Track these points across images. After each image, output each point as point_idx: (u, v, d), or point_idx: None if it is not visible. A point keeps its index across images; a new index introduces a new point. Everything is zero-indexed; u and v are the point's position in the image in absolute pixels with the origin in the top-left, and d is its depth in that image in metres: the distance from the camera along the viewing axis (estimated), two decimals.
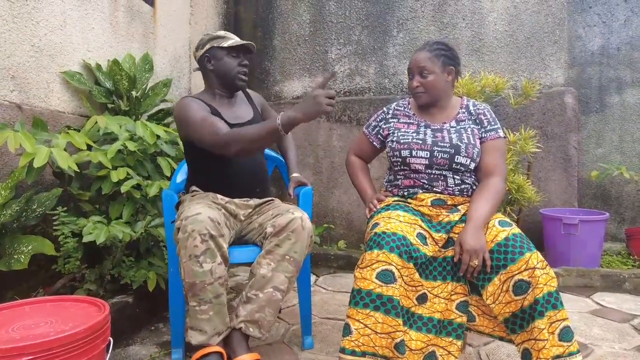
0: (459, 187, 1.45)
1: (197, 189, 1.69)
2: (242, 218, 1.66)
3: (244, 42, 1.68)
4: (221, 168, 1.65)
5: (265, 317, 1.48)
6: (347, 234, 3.21)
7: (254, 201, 1.71)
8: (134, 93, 2.35)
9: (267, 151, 2.02)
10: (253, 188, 1.72)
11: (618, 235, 3.19)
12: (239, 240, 1.67)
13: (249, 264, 1.55)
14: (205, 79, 1.75)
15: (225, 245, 1.43)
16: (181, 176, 1.88)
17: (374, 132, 1.65)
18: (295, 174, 1.86)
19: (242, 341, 1.48)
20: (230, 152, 1.47)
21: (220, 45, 1.66)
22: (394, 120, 1.59)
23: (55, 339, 0.98)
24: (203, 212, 1.39)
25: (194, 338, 1.43)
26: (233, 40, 1.68)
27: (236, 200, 1.66)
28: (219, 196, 1.63)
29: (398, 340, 1.19)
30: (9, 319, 1.14)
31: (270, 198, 1.77)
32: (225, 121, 1.61)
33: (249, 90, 1.88)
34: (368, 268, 1.22)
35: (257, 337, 1.49)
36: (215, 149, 1.49)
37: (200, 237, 1.35)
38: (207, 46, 1.68)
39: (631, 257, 2.84)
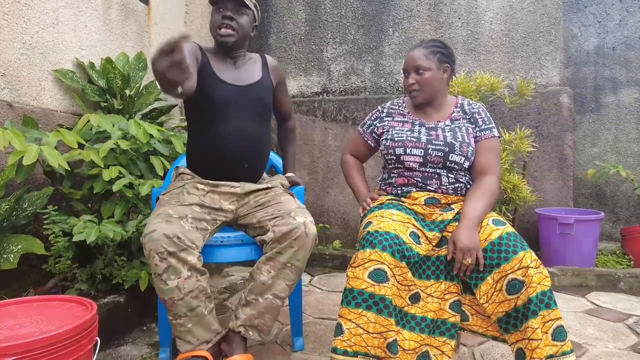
0: (452, 186, 1.44)
1: (184, 170, 1.62)
2: (230, 207, 1.55)
3: None
4: (216, 130, 1.56)
5: (265, 322, 1.47)
6: (343, 234, 3.20)
7: (241, 188, 1.58)
8: (127, 92, 2.33)
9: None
10: (242, 163, 1.59)
11: (613, 234, 3.19)
12: (237, 228, 1.61)
13: (242, 263, 1.53)
14: None
15: (191, 258, 1.33)
16: None
17: (368, 131, 1.64)
18: (289, 174, 1.84)
19: (241, 344, 1.46)
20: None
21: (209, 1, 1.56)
22: (388, 118, 1.58)
23: (40, 339, 0.96)
24: (158, 228, 1.30)
25: (182, 347, 1.41)
26: None
27: (220, 188, 1.55)
28: (200, 185, 1.53)
29: (390, 340, 1.17)
30: None
31: (267, 185, 1.64)
32: (218, 77, 1.55)
33: (270, 59, 1.74)
34: (360, 267, 1.21)
35: (257, 341, 1.49)
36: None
37: (158, 255, 1.29)
38: None
39: (626, 256, 2.84)
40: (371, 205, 1.48)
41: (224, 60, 1.61)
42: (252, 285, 1.46)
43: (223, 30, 1.53)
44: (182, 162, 1.82)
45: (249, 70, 1.65)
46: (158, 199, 1.54)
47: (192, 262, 1.34)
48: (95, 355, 1.14)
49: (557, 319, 1.18)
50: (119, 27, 2.53)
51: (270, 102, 1.71)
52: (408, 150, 1.45)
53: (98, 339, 1.14)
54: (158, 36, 2.90)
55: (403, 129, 1.52)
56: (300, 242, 1.42)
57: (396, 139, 1.48)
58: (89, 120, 1.90)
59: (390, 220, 1.30)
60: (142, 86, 2.50)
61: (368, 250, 1.22)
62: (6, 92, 1.89)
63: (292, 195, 1.64)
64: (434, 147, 1.43)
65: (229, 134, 1.55)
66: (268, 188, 1.63)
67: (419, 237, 1.33)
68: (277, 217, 1.49)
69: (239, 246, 1.58)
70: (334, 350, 1.20)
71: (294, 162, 1.91)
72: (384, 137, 1.55)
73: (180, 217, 1.38)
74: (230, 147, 1.56)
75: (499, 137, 1.50)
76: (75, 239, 1.61)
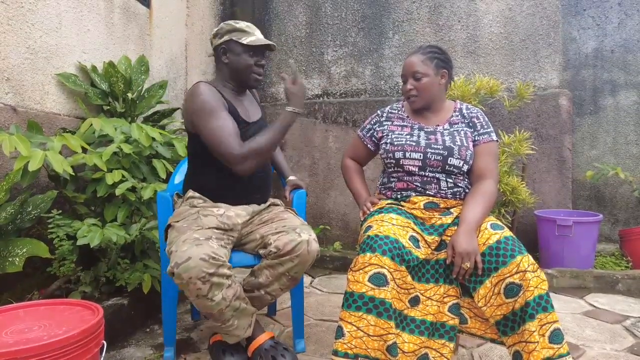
0: (451, 190, 1.46)
1: (194, 194, 1.62)
2: (240, 227, 1.59)
3: (266, 42, 1.59)
4: (225, 167, 1.56)
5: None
6: (343, 235, 3.22)
7: (252, 207, 1.65)
8: (129, 95, 2.35)
9: None
10: (255, 191, 1.66)
11: (612, 236, 3.21)
12: (237, 248, 1.63)
13: (249, 266, 1.58)
14: (217, 69, 1.67)
15: (227, 270, 1.38)
16: (179, 177, 1.87)
17: (368, 135, 1.66)
18: (291, 177, 1.87)
19: None
20: (245, 169, 1.45)
21: (240, 40, 1.56)
22: (387, 123, 1.60)
23: (49, 343, 0.98)
24: (193, 255, 1.30)
25: (231, 340, 1.50)
26: (254, 37, 1.58)
27: (233, 209, 1.59)
28: (215, 210, 1.54)
29: (390, 342, 1.20)
30: (3, 323, 1.14)
31: (270, 202, 1.72)
32: (243, 119, 1.58)
33: None
34: (361, 271, 1.23)
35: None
36: (229, 164, 1.46)
37: (200, 280, 1.30)
38: (226, 37, 1.57)
39: (624, 258, 2.86)
40: (371, 209, 1.50)
41: (237, 97, 1.66)
42: (250, 281, 1.55)
43: (257, 76, 1.63)
44: (179, 177, 1.85)
45: (252, 105, 1.73)
46: (169, 226, 1.54)
47: (229, 273, 1.39)
48: (102, 358, 1.16)
49: (554, 322, 1.20)
50: (121, 31, 2.55)
51: None
52: (407, 154, 1.47)
53: (104, 342, 1.16)
54: (159, 39, 2.92)
55: (402, 133, 1.54)
56: (301, 258, 1.48)
57: (395, 143, 1.50)
58: (91, 124, 1.93)
59: (390, 225, 1.32)
60: (143, 89, 2.52)
61: (368, 254, 1.24)
62: (10, 96, 1.91)
63: (294, 212, 1.69)
64: (433, 150, 1.45)
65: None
66: (271, 205, 1.72)
67: (418, 241, 1.36)
68: (281, 232, 1.52)
69: (242, 252, 1.62)
70: (335, 352, 1.22)
71: (288, 166, 1.97)
72: (383, 141, 1.57)
73: (207, 238, 1.40)
74: (246, 180, 1.59)
75: (497, 141, 1.52)
76: (80, 242, 1.63)
